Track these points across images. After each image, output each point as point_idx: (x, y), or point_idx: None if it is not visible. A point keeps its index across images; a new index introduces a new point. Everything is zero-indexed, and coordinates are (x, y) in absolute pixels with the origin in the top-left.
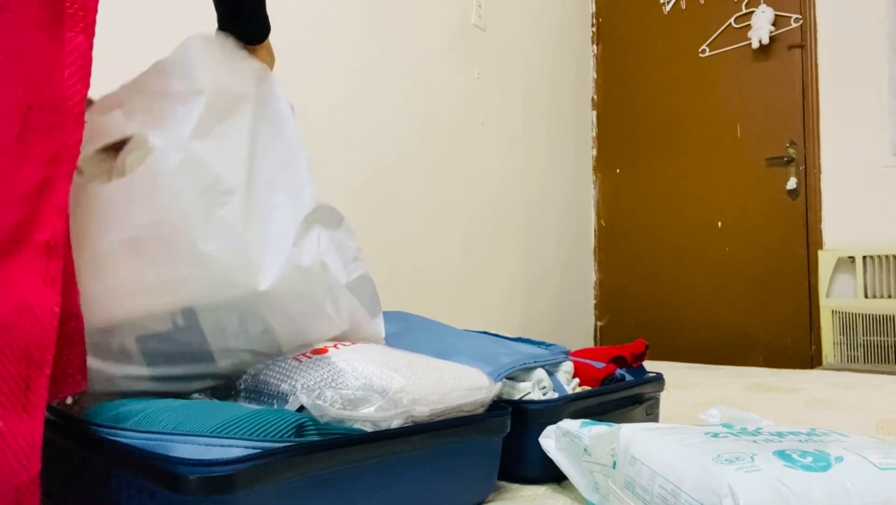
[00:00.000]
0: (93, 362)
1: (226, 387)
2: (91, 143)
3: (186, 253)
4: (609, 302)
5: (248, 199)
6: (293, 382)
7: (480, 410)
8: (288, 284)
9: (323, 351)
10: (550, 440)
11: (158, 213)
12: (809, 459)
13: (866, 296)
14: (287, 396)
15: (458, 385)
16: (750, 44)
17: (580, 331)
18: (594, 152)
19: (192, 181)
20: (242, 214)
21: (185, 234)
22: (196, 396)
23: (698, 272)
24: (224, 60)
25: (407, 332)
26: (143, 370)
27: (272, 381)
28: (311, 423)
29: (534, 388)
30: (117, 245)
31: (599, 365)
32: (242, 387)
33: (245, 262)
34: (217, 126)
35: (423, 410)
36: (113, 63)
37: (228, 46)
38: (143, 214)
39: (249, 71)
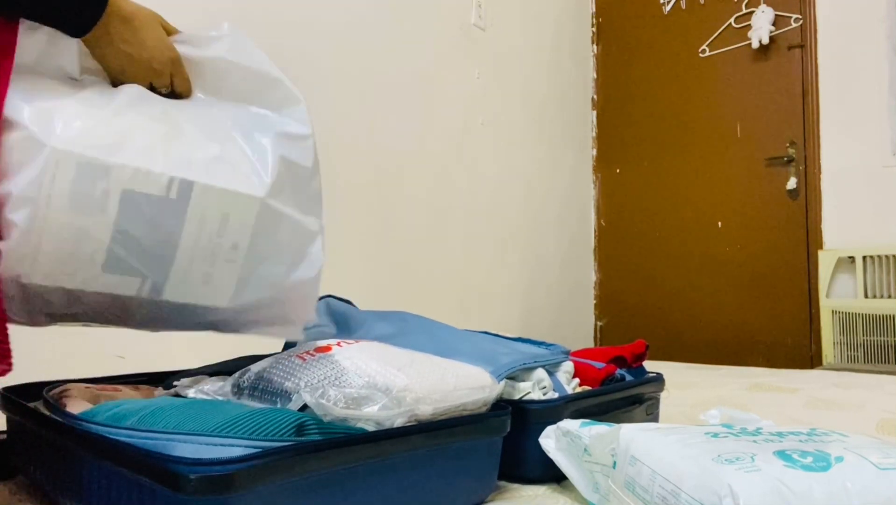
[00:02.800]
0: (66, 217)
1: (232, 385)
2: None
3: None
4: (609, 302)
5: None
6: (297, 381)
7: (483, 409)
8: (275, 207)
9: (326, 349)
10: (550, 440)
11: None
12: (809, 459)
13: (866, 296)
14: (291, 393)
15: (461, 384)
16: (750, 44)
17: (580, 331)
18: (594, 152)
19: None
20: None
21: None
22: (196, 396)
23: (698, 272)
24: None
25: (407, 332)
26: (108, 229)
27: (276, 379)
28: (311, 422)
29: (534, 388)
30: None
31: (599, 365)
32: (246, 385)
33: (253, 170)
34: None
35: (427, 408)
36: None
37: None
38: None
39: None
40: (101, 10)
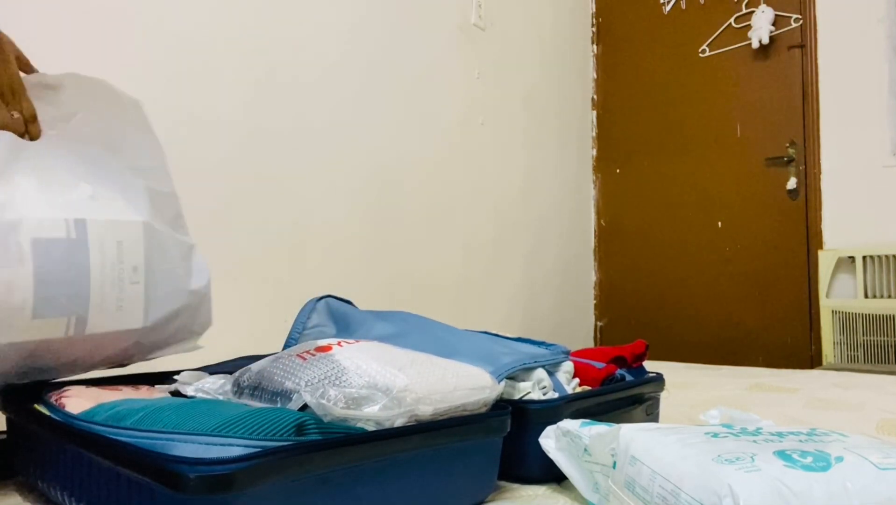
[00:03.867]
0: None
1: (232, 384)
2: None
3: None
4: (609, 302)
5: None
6: (297, 380)
7: (484, 410)
8: (165, 237)
9: (326, 348)
10: (550, 440)
11: None
12: (809, 459)
13: (866, 296)
14: (291, 393)
15: (462, 384)
16: (750, 44)
17: (580, 331)
18: (594, 152)
19: None
20: None
21: None
22: (196, 394)
23: (698, 272)
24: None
25: (407, 332)
26: (30, 276)
27: (276, 378)
28: (311, 421)
29: (534, 387)
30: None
31: (599, 365)
32: (246, 384)
33: (127, 199)
34: None
35: (427, 409)
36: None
37: None
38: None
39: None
40: None
